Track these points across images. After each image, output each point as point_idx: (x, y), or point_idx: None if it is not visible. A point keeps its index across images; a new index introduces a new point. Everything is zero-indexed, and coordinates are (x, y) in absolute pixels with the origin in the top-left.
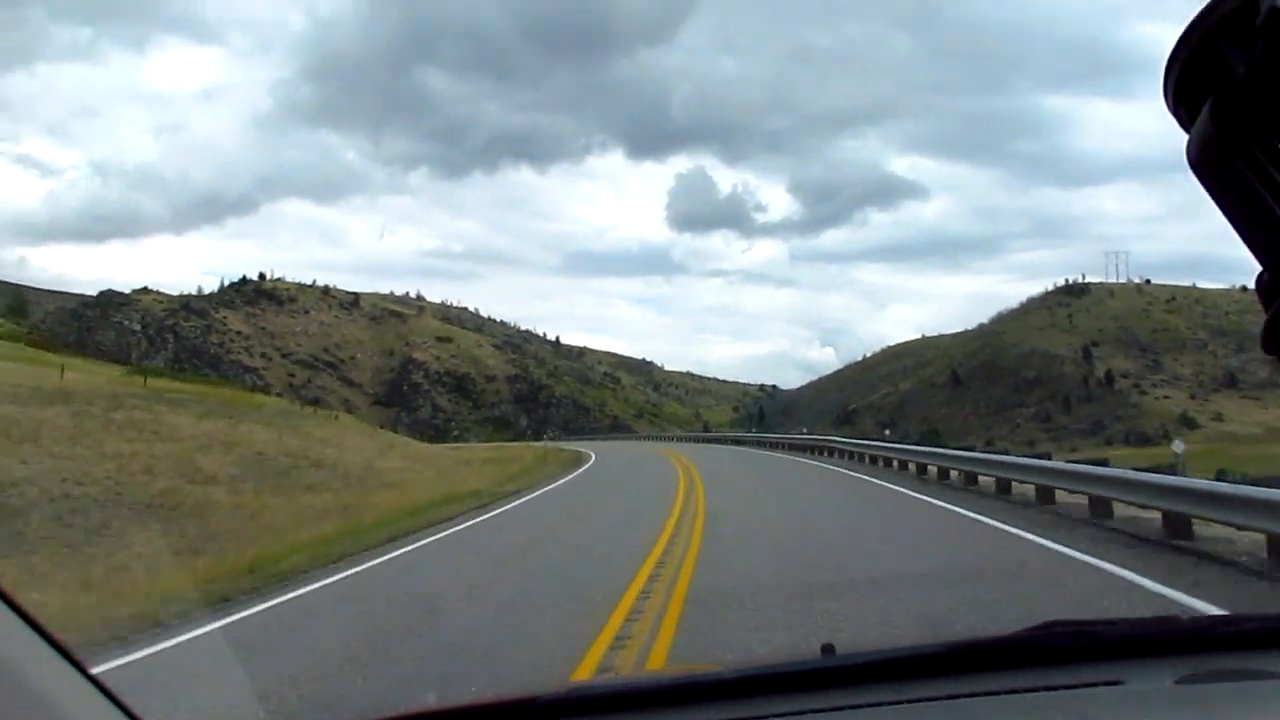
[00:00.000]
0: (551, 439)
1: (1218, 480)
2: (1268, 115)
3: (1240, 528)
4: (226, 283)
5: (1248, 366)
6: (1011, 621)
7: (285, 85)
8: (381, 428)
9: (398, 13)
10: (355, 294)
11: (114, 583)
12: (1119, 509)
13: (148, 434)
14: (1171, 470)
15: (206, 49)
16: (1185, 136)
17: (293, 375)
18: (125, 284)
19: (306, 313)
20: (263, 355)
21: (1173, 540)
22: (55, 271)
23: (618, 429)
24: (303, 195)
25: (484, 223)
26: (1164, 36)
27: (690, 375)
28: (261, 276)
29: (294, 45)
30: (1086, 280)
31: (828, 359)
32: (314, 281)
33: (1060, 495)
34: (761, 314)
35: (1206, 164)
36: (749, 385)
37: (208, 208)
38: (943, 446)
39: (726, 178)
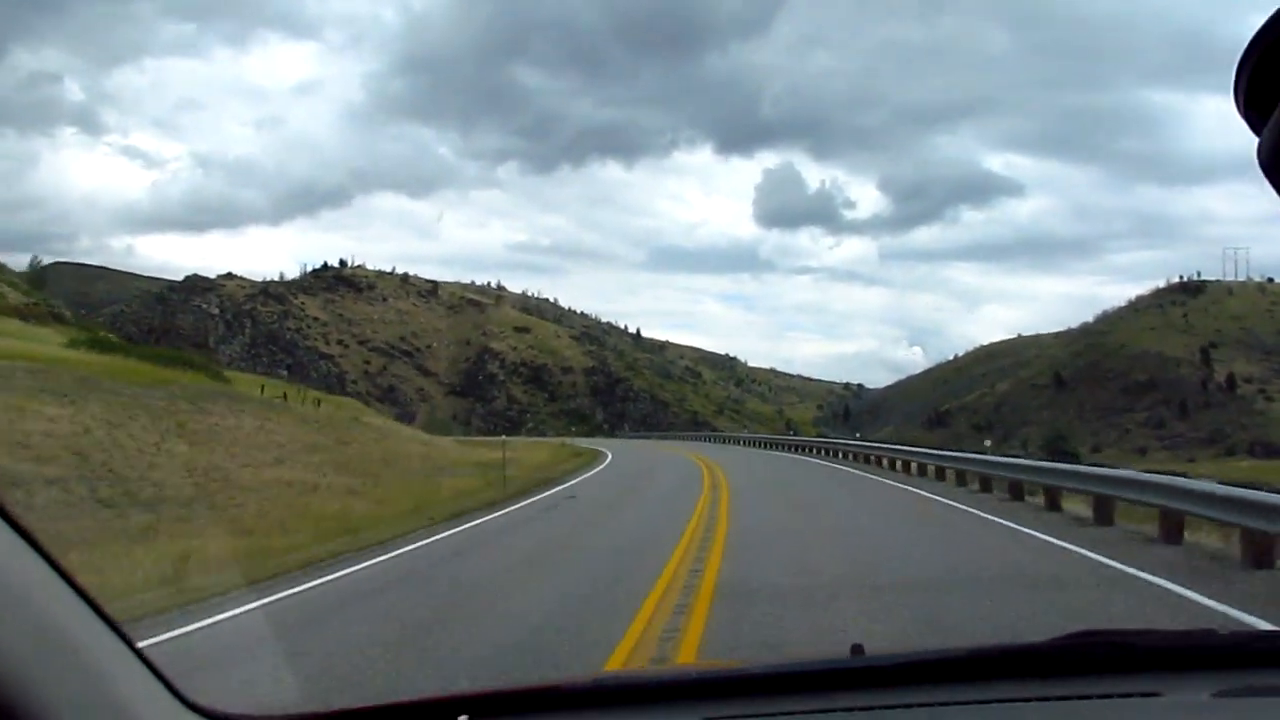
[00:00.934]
0: (577, 434)
1: None
2: None
3: None
4: (308, 269)
5: None
6: None
7: (377, 79)
8: (454, 418)
9: (489, 6)
10: (434, 282)
11: None
12: None
13: None
14: None
15: (303, 44)
16: (1256, 140)
17: (368, 363)
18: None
19: (385, 300)
20: (339, 342)
21: None
22: (160, 260)
23: (697, 425)
24: (395, 188)
25: (571, 218)
26: None
27: (774, 372)
28: (342, 263)
29: (387, 39)
30: (1202, 278)
31: (915, 359)
32: (393, 269)
33: None
34: (849, 312)
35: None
36: (834, 384)
37: (303, 199)
38: (1079, 462)
39: (815, 174)
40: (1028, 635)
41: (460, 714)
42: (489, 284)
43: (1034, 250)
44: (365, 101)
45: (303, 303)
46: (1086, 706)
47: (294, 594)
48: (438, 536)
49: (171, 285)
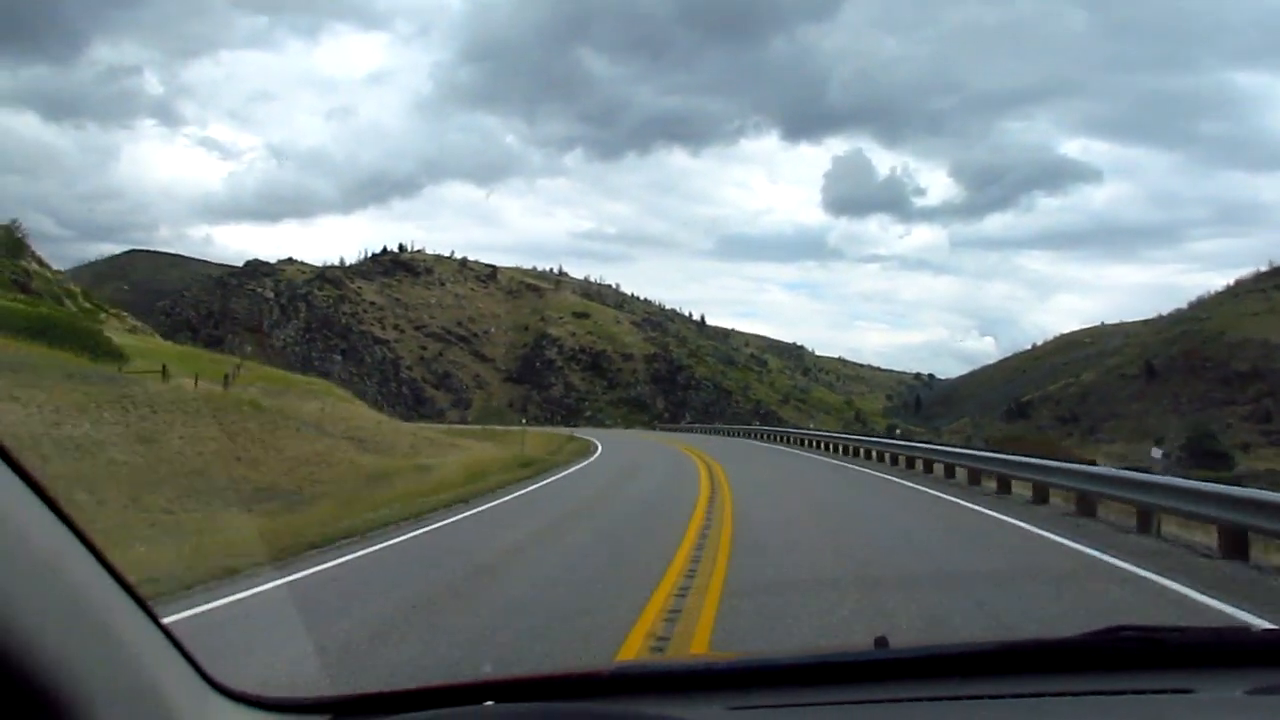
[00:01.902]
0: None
1: None
2: None
3: None
4: (367, 253)
5: None
6: None
7: (445, 68)
8: (510, 405)
9: None
10: (493, 266)
11: None
12: None
13: None
14: None
15: (373, 35)
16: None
17: (424, 348)
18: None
19: (442, 284)
20: (395, 327)
21: None
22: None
23: (761, 415)
24: (463, 177)
25: (637, 205)
26: None
27: (842, 361)
28: (401, 247)
29: (453, 28)
30: None
31: (987, 349)
32: (451, 253)
33: None
34: (918, 301)
35: None
36: (903, 374)
37: (374, 189)
38: (1232, 466)
39: (885, 160)
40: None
41: (486, 699)
42: (550, 270)
43: (1110, 238)
44: (433, 91)
45: (359, 287)
46: (1118, 702)
47: None
48: None
49: (232, 270)
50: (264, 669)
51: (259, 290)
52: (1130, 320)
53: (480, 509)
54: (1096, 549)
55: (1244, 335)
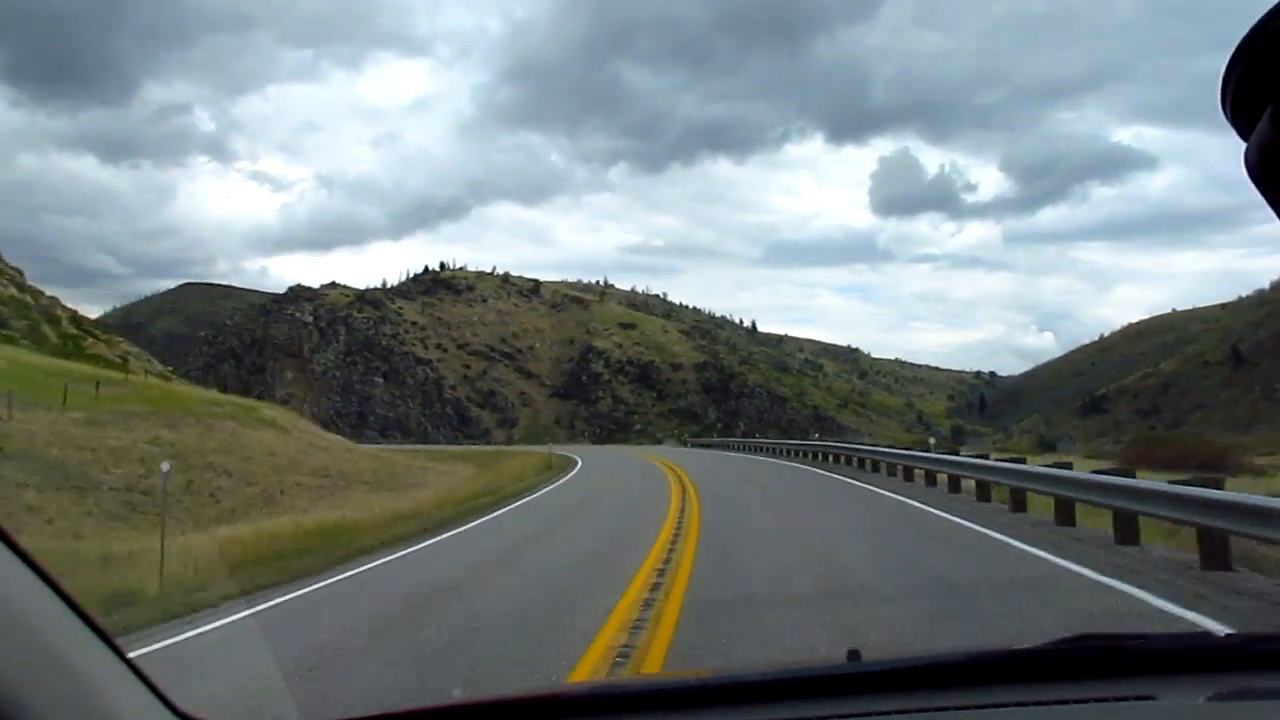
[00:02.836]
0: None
1: None
2: None
3: None
4: (409, 274)
5: None
6: None
7: (486, 89)
8: (557, 422)
9: (590, 6)
10: (535, 281)
11: None
12: None
13: None
14: None
15: (415, 61)
16: (1243, 145)
17: (468, 367)
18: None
19: (484, 301)
20: (438, 346)
21: None
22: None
23: (819, 421)
24: (509, 197)
25: (684, 216)
26: None
27: (899, 363)
28: (442, 266)
29: (492, 49)
30: None
31: (1046, 344)
32: (493, 269)
33: None
34: (973, 299)
35: (1265, 171)
36: (963, 373)
37: (422, 213)
38: None
39: (933, 158)
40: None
41: None
42: (596, 282)
43: (1170, 225)
44: (475, 113)
45: (400, 307)
46: (1081, 710)
47: None
48: None
49: (275, 297)
50: None
51: (297, 315)
52: (1204, 305)
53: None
54: None
55: None
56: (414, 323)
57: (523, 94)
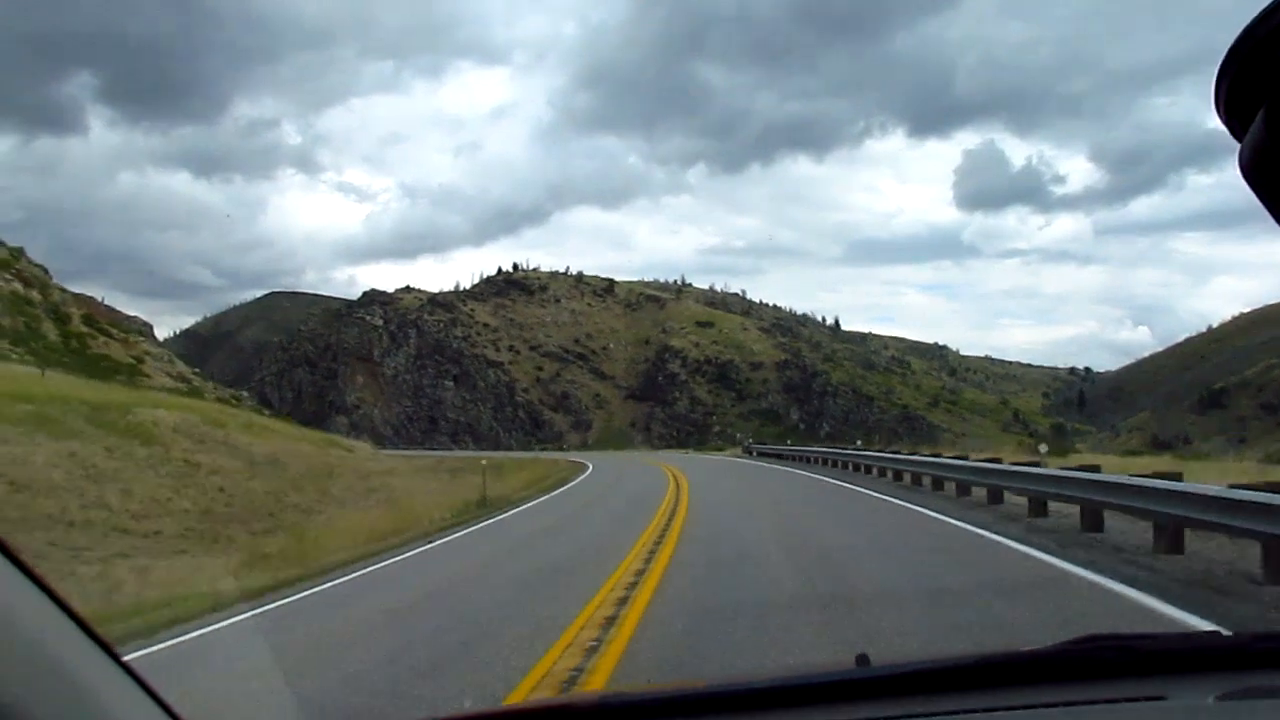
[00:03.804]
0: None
1: None
2: None
3: None
4: (482, 276)
5: None
6: None
7: (562, 94)
8: (632, 424)
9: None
10: (610, 280)
11: None
12: None
13: None
14: None
15: (493, 69)
16: (1237, 146)
17: (540, 369)
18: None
19: (557, 301)
20: (510, 349)
21: None
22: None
23: (909, 420)
24: (589, 202)
25: (764, 217)
26: None
27: (989, 360)
28: (515, 267)
29: (568, 54)
30: None
31: (1142, 339)
32: (566, 268)
33: None
34: (1063, 294)
35: (1260, 172)
36: (1056, 369)
37: (503, 219)
38: None
39: (1019, 150)
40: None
41: None
42: (673, 282)
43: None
44: (553, 118)
45: (472, 309)
46: (1091, 711)
47: None
48: None
49: (349, 302)
50: None
51: (367, 319)
52: None
53: None
54: None
55: None
56: (486, 324)
57: (599, 97)
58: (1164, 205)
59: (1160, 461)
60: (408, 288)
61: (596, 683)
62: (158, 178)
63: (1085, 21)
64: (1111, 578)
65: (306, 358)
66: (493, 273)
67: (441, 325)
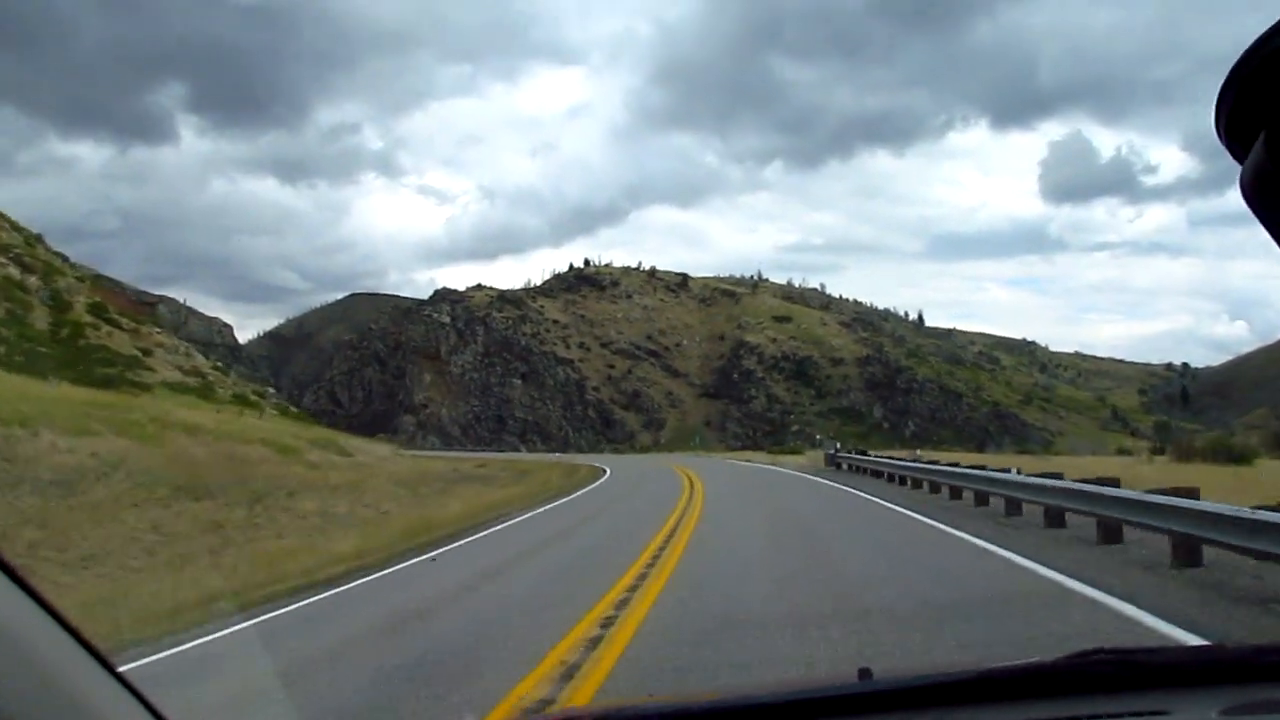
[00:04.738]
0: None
1: None
2: None
3: None
4: (553, 272)
5: None
6: None
7: (637, 93)
8: (707, 424)
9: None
10: (684, 275)
11: None
12: None
13: None
14: None
15: (568, 70)
16: (1238, 168)
17: (611, 366)
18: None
19: (629, 297)
20: (580, 345)
21: None
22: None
23: (1001, 418)
24: (665, 200)
25: (842, 212)
26: None
27: (1079, 356)
28: (586, 262)
29: (642, 52)
30: None
31: (1239, 333)
32: (639, 264)
33: None
34: (1155, 288)
35: (1261, 195)
36: (1151, 366)
37: (580, 219)
38: None
39: (1107, 140)
40: None
41: None
42: (749, 276)
43: None
44: (628, 118)
45: (541, 305)
46: None
47: None
48: None
49: (420, 301)
50: None
51: (434, 315)
52: None
53: None
54: None
55: None
56: (555, 321)
57: (674, 95)
58: None
59: None
60: (479, 285)
61: None
62: (246, 184)
63: (1175, 4)
64: None
65: (376, 356)
66: (562, 269)
67: (510, 322)
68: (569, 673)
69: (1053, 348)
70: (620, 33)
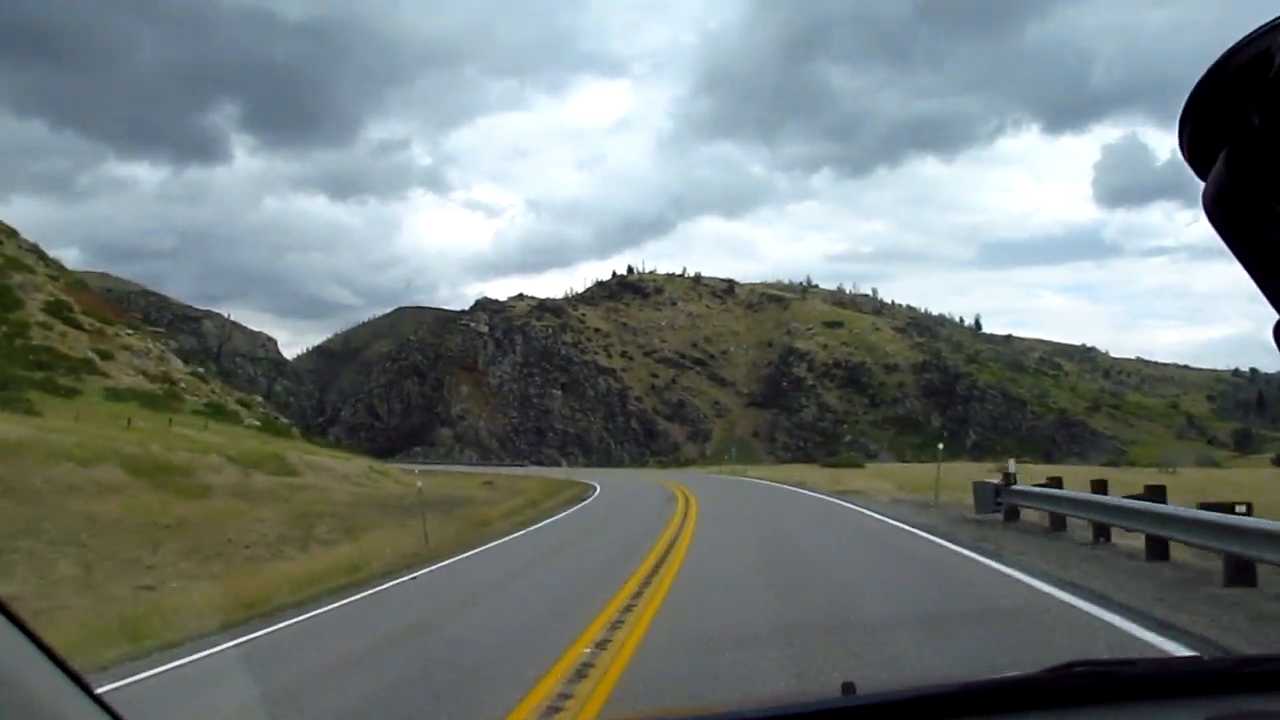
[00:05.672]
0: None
1: None
2: None
3: None
4: (594, 281)
5: None
6: None
7: (682, 103)
8: (755, 434)
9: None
10: (730, 281)
11: None
12: None
13: None
14: None
15: (614, 82)
16: (1200, 185)
17: (655, 376)
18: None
19: (673, 304)
20: (622, 354)
21: None
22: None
23: (1068, 427)
24: (712, 211)
25: (891, 220)
26: None
27: (1142, 362)
28: (629, 269)
29: (687, 62)
30: None
31: None
32: (683, 270)
33: None
34: (1216, 292)
35: (1222, 213)
36: (1217, 371)
37: (627, 231)
38: None
39: (1163, 142)
40: None
41: None
42: (798, 282)
43: None
44: (674, 128)
45: (583, 314)
46: None
47: None
48: None
49: (459, 311)
50: None
51: (472, 325)
52: None
53: None
54: None
55: None
56: (597, 329)
57: (719, 105)
58: None
59: None
60: (520, 295)
61: None
62: (298, 201)
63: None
64: None
65: (415, 368)
66: (606, 276)
67: (550, 331)
68: None
69: (1113, 354)
70: (665, 43)
